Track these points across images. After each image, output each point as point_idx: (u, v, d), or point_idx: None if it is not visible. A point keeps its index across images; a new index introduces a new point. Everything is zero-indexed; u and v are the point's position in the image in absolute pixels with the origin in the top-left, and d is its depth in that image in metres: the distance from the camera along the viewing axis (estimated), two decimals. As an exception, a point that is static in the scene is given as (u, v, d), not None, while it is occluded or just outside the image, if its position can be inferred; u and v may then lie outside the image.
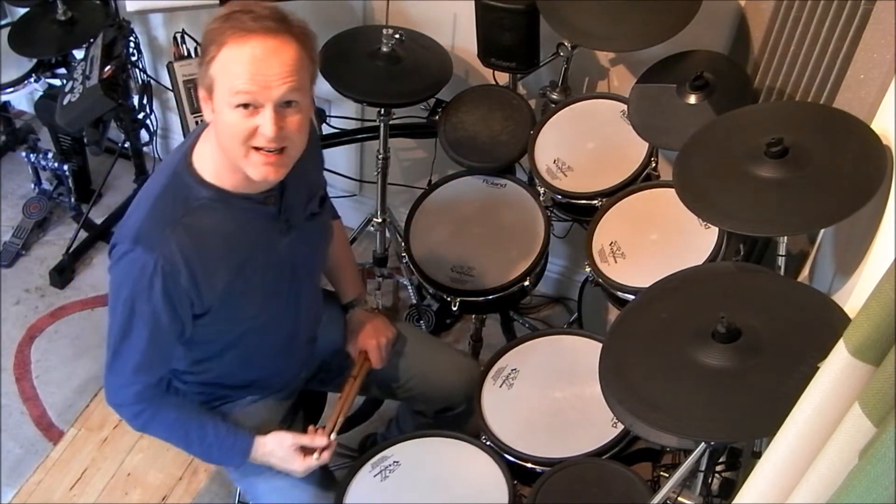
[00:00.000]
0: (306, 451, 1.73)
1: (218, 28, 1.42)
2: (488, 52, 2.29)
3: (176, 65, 2.29)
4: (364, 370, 1.89)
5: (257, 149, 1.45)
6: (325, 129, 2.53)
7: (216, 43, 1.41)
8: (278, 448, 1.73)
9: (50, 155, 3.02)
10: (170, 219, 1.50)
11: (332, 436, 1.75)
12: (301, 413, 1.94)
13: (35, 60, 2.77)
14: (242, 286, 1.60)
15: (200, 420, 1.73)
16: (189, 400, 1.79)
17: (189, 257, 1.50)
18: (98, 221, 3.10)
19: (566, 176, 2.10)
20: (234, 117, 1.42)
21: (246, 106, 1.41)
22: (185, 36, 2.37)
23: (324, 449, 1.73)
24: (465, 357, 2.05)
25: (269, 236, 1.62)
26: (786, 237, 1.58)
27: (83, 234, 3.00)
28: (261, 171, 1.47)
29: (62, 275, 2.92)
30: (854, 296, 1.41)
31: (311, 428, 1.77)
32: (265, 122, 1.41)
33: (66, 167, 3.00)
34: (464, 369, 1.98)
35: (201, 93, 1.47)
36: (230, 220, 1.55)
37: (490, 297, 2.09)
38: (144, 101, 2.72)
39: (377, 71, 2.28)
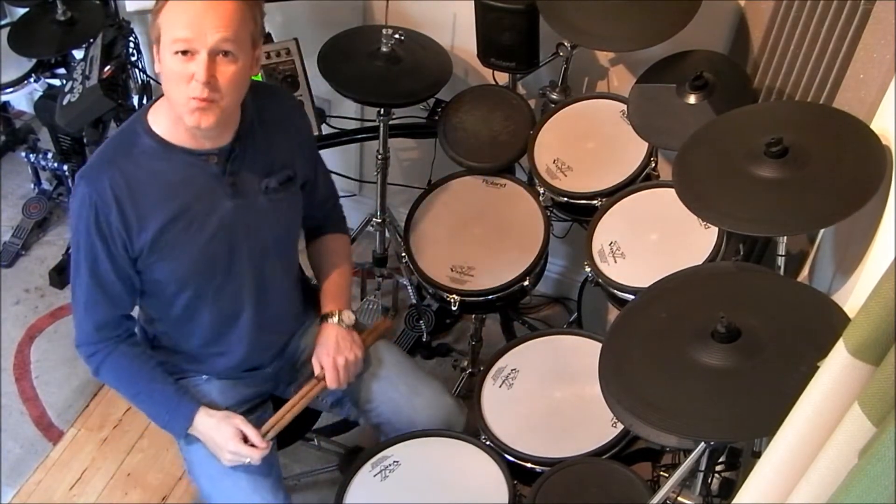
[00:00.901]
0: (247, 443, 1.73)
1: None
2: (488, 52, 2.29)
3: (176, 65, 2.29)
4: (316, 389, 1.83)
5: (192, 97, 1.51)
6: (325, 129, 2.53)
7: None
8: (225, 423, 1.73)
9: (50, 155, 3.02)
10: (109, 159, 1.62)
11: (263, 439, 1.74)
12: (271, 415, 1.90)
13: (35, 60, 2.77)
14: (175, 236, 1.64)
15: (152, 374, 1.76)
16: (149, 356, 1.80)
17: (120, 197, 1.59)
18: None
19: (566, 176, 2.10)
20: (174, 63, 1.51)
21: (185, 53, 1.49)
22: (185, 36, 2.37)
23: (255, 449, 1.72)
24: (446, 397, 1.91)
25: (211, 195, 1.66)
26: (786, 237, 1.58)
27: (83, 234, 3.00)
28: (192, 118, 1.54)
29: (62, 275, 2.92)
30: (854, 296, 1.41)
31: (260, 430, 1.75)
32: (198, 67, 1.49)
33: (66, 167, 2.99)
34: (442, 409, 1.88)
35: (154, 46, 1.55)
36: (170, 171, 1.63)
37: (490, 297, 2.09)
38: (144, 101, 2.72)
39: (377, 71, 2.28)
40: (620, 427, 1.74)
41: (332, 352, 1.83)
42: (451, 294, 2.09)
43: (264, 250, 1.76)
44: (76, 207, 1.62)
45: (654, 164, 2.05)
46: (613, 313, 2.17)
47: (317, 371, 1.84)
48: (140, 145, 1.62)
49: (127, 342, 1.76)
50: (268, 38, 2.49)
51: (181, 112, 1.54)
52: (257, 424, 1.80)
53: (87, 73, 2.46)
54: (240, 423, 1.74)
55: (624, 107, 2.11)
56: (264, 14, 1.61)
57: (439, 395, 1.91)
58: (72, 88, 2.48)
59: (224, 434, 1.73)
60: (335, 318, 1.87)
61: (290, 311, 1.92)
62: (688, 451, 1.46)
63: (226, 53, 1.50)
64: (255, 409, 1.89)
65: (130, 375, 1.76)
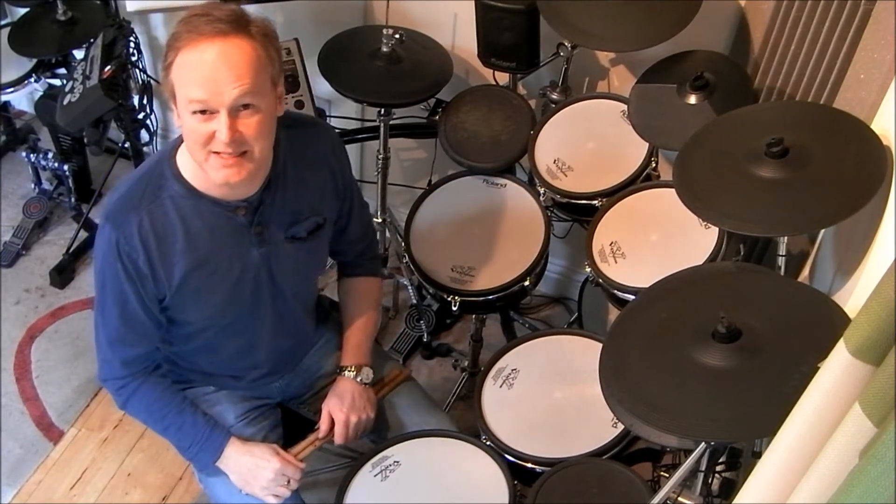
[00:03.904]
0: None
1: (176, 33, 1.43)
2: (488, 52, 2.29)
3: (176, 65, 2.29)
4: (319, 443, 1.82)
5: (217, 153, 1.47)
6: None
7: (173, 49, 1.43)
8: (262, 459, 1.72)
9: (50, 155, 3.02)
10: (137, 203, 1.56)
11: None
12: (281, 430, 1.90)
13: (35, 60, 2.77)
14: (199, 283, 1.63)
15: (181, 406, 1.74)
16: (177, 388, 1.78)
17: (147, 243, 1.56)
18: (98, 221, 3.10)
19: (566, 176, 2.10)
20: (193, 122, 1.45)
21: (202, 112, 1.43)
22: (186, 36, 2.37)
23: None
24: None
25: (237, 244, 1.63)
26: (786, 237, 1.58)
27: (83, 234, 3.00)
28: (221, 175, 1.49)
29: (62, 275, 2.93)
30: (854, 296, 1.41)
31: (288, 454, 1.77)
32: (220, 126, 1.43)
33: (66, 167, 3.00)
34: None
35: (171, 100, 1.49)
36: (197, 218, 1.59)
37: (490, 297, 2.09)
38: (144, 101, 2.72)
39: (377, 71, 2.28)
40: (621, 427, 1.74)
41: (346, 408, 1.80)
42: (452, 294, 2.09)
43: (286, 293, 1.75)
44: (102, 249, 1.58)
45: (654, 165, 2.05)
46: (613, 313, 2.17)
47: (324, 425, 1.82)
48: (168, 189, 1.57)
49: (155, 374, 1.75)
50: (268, 38, 2.49)
51: (205, 168, 1.50)
52: (264, 431, 1.81)
53: (87, 72, 2.47)
54: (275, 457, 1.73)
55: (624, 107, 2.11)
56: (280, 49, 1.53)
57: (448, 428, 1.89)
58: (72, 88, 2.48)
59: (262, 471, 1.72)
60: (354, 374, 1.85)
61: (307, 337, 1.93)
62: (688, 452, 1.46)
63: (246, 106, 1.44)
64: (263, 415, 1.88)
65: (160, 408, 1.74)
